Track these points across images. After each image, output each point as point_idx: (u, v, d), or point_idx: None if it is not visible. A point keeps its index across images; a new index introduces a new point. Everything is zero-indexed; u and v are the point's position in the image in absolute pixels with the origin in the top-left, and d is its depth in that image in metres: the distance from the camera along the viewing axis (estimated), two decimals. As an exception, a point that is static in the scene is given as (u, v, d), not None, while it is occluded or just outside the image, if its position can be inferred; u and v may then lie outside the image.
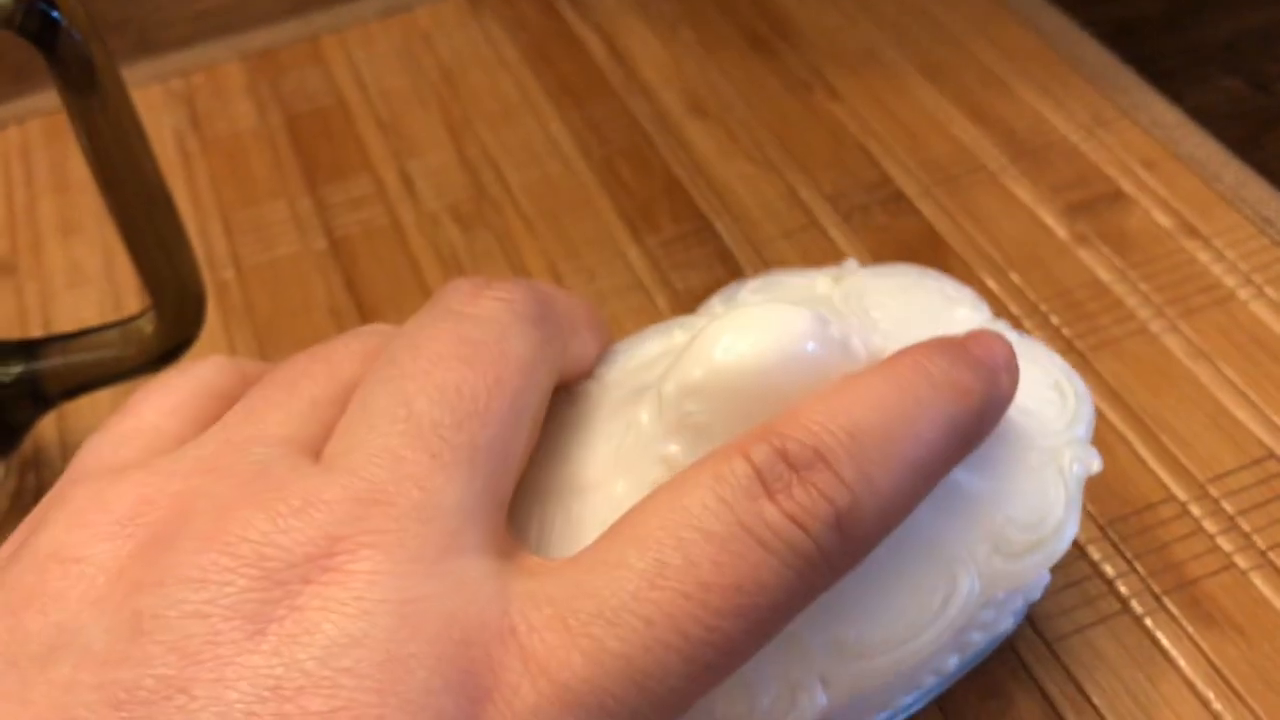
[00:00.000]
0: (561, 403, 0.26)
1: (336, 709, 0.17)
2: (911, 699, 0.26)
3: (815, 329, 0.24)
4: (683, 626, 0.19)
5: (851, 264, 0.29)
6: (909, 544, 0.24)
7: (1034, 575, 0.25)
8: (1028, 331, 0.34)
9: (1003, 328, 0.28)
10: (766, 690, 0.23)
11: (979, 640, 0.26)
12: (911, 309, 0.28)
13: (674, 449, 0.23)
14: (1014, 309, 0.34)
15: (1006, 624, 0.27)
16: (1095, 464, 0.26)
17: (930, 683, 0.26)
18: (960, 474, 0.25)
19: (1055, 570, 0.29)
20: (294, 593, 0.18)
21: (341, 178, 0.41)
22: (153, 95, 0.45)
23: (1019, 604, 0.26)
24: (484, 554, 0.20)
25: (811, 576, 0.20)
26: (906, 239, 0.37)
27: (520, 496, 0.24)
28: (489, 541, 0.20)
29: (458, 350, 0.22)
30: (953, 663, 0.26)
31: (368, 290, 0.37)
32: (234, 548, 0.19)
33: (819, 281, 0.29)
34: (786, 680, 0.23)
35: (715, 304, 0.29)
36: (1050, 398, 0.26)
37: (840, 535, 0.20)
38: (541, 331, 0.23)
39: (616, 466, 0.24)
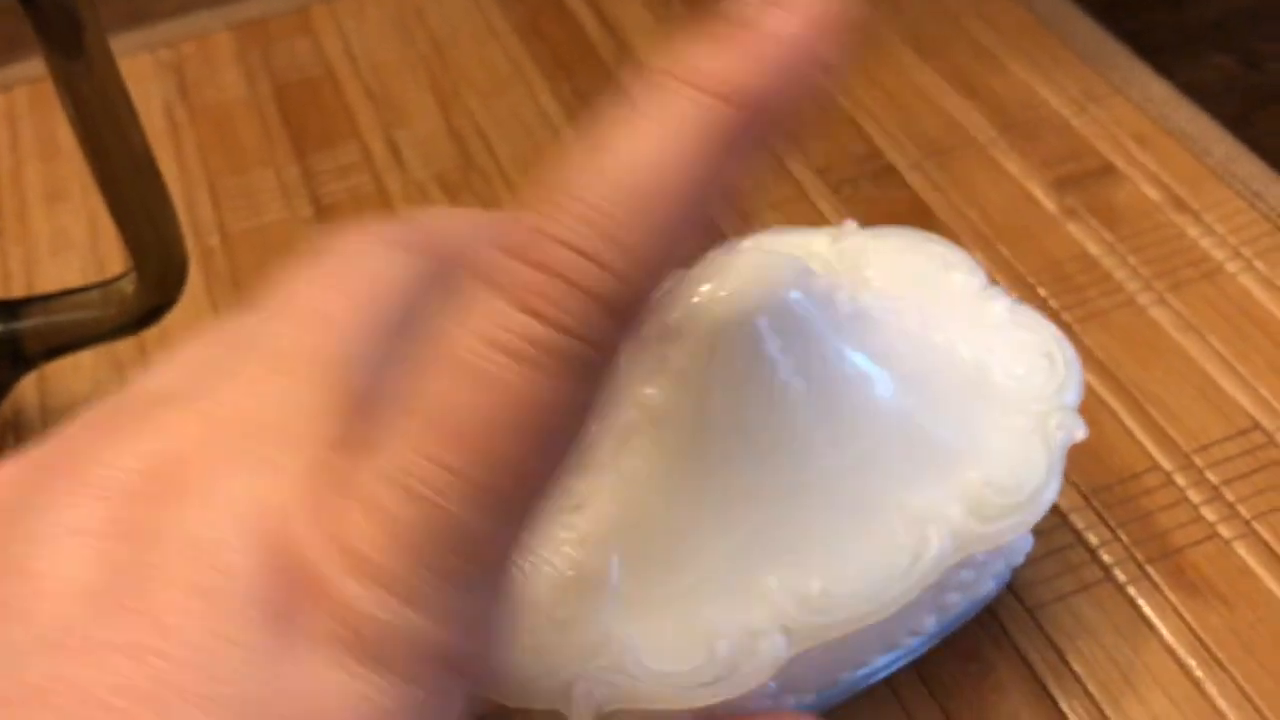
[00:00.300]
0: None
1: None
2: (889, 658, 0.26)
3: (798, 279, 0.24)
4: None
5: (850, 225, 0.29)
6: (880, 501, 0.24)
7: (1009, 538, 0.24)
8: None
9: (998, 294, 0.27)
10: (726, 635, 0.22)
11: (958, 601, 0.26)
12: (906, 271, 0.28)
13: (650, 391, 0.23)
14: (1002, 281, 0.34)
15: (987, 587, 0.26)
16: (1080, 432, 0.25)
17: (908, 642, 0.26)
18: (941, 433, 0.25)
19: (1038, 538, 0.29)
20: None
21: (329, 146, 0.40)
22: (142, 64, 0.44)
23: (1000, 566, 0.26)
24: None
25: (591, 372, 0.16)
26: (895, 211, 0.37)
27: None
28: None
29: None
30: (930, 623, 0.26)
31: (353, 257, 0.37)
32: None
33: (816, 240, 0.29)
34: (747, 628, 0.23)
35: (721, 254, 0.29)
36: (1040, 364, 0.26)
37: (608, 319, 0.16)
38: (410, 254, 0.20)
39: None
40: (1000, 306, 0.27)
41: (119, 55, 0.45)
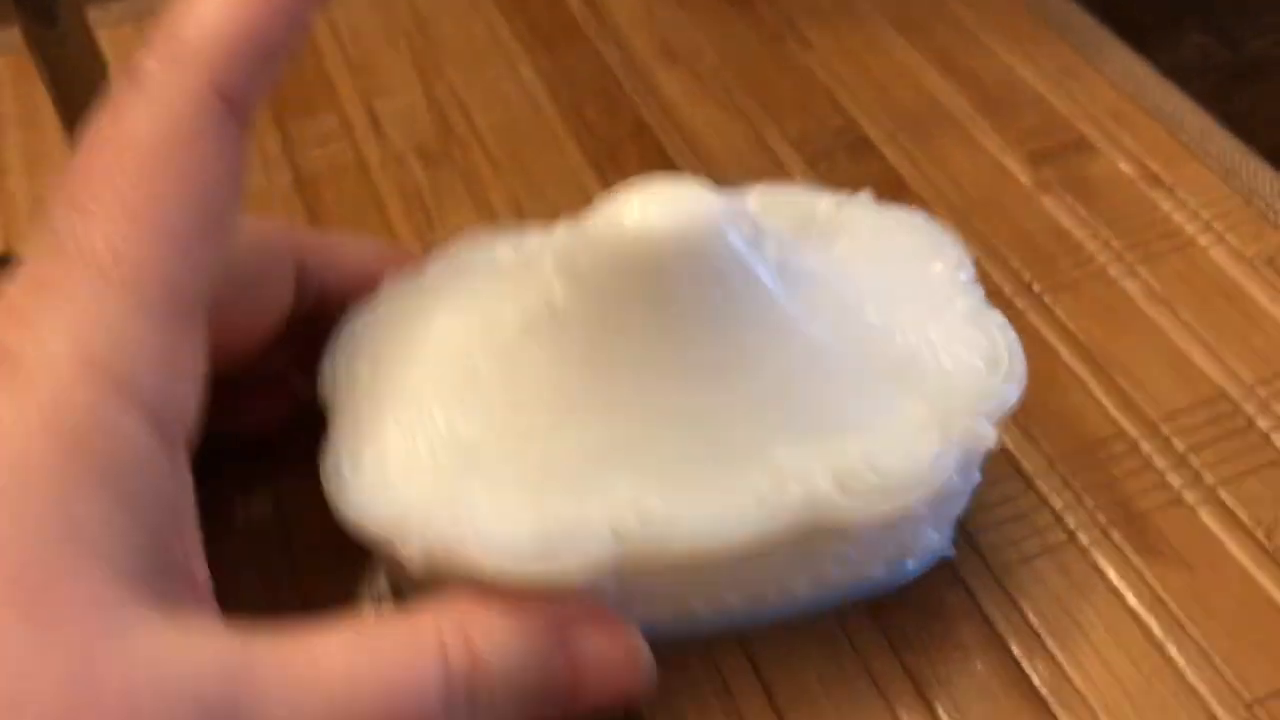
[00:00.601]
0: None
1: None
2: (758, 610, 0.26)
3: (719, 220, 0.24)
4: None
5: (863, 196, 0.30)
6: (752, 445, 0.24)
7: (867, 517, 0.24)
8: (1008, 292, 0.34)
9: (972, 292, 0.27)
10: (560, 523, 0.23)
11: (838, 575, 0.26)
12: (887, 249, 0.28)
13: (557, 291, 0.24)
14: (975, 251, 0.34)
15: (876, 571, 0.27)
16: (987, 441, 0.25)
17: (780, 602, 0.26)
18: (834, 401, 0.25)
19: (1003, 502, 0.29)
20: None
21: (309, 115, 0.40)
22: (125, 35, 0.44)
23: (890, 550, 0.26)
24: None
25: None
26: (870, 183, 0.36)
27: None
28: None
29: None
30: (803, 586, 0.26)
31: (330, 224, 0.37)
32: None
33: (822, 201, 0.29)
34: (582, 522, 0.23)
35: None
36: (976, 366, 0.26)
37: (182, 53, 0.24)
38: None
39: (511, 292, 0.26)
40: (965, 304, 0.27)
41: (103, 26, 0.46)
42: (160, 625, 0.21)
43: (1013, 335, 0.27)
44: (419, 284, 0.28)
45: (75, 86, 0.33)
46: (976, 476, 0.27)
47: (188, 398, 0.23)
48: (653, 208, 0.24)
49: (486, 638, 0.23)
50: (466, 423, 0.25)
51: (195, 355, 0.23)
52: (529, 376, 0.25)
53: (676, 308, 0.24)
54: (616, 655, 0.24)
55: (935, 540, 0.27)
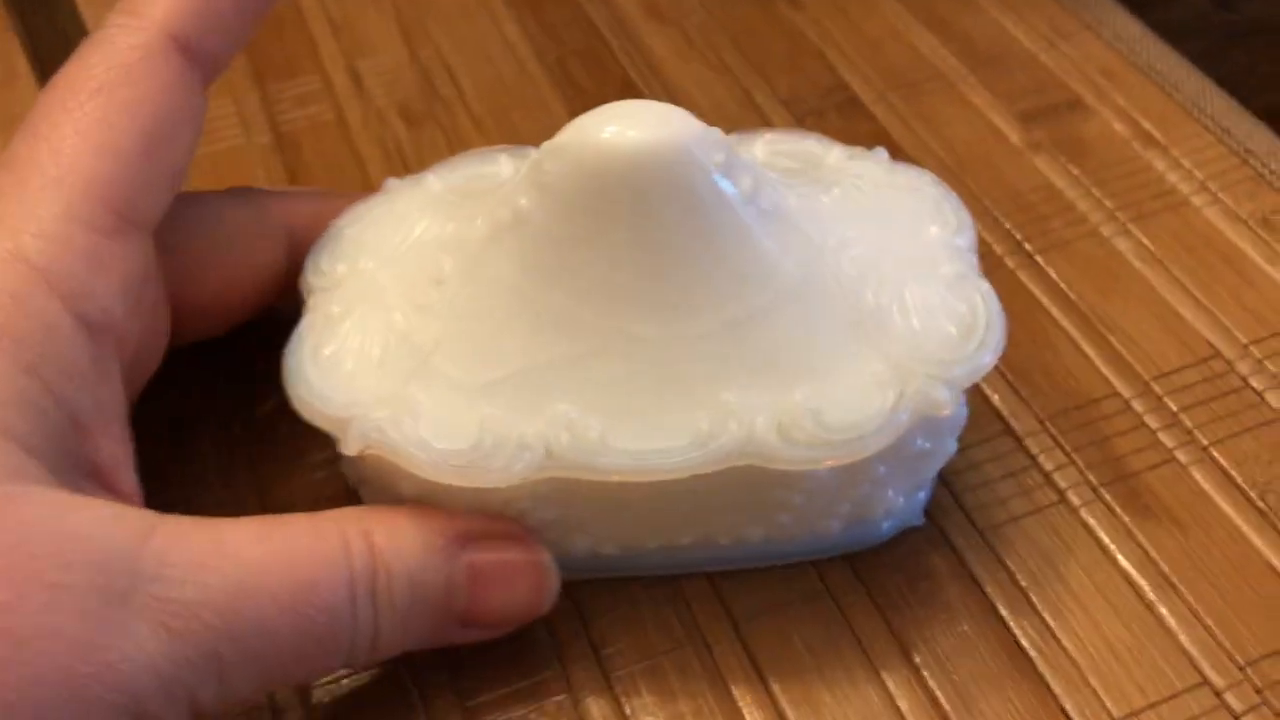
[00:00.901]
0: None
1: None
2: (707, 554, 0.26)
3: (689, 139, 0.23)
4: None
5: (880, 152, 0.29)
6: (698, 380, 0.24)
7: (805, 467, 0.24)
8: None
9: (964, 259, 0.26)
10: (495, 434, 0.24)
11: (787, 524, 0.26)
12: (882, 205, 0.28)
13: (523, 201, 0.24)
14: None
15: (830, 527, 0.26)
16: (946, 408, 0.24)
17: (731, 548, 0.26)
18: (788, 346, 0.24)
19: (992, 460, 0.28)
20: None
21: (291, 75, 0.40)
22: (104, -5, 0.44)
23: (845, 509, 0.26)
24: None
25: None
26: (859, 142, 0.35)
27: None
28: None
29: None
30: (756, 535, 0.26)
31: (310, 183, 0.36)
32: None
33: (834, 152, 0.29)
34: (518, 436, 0.24)
35: (730, 140, 0.28)
36: (948, 332, 0.25)
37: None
38: None
39: (478, 205, 0.26)
40: (952, 270, 0.26)
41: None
42: (64, 498, 0.21)
43: (996, 306, 0.25)
44: (414, 191, 0.28)
45: (53, 46, 0.32)
46: (951, 446, 0.26)
47: (114, 298, 0.24)
48: (624, 124, 0.23)
49: (389, 539, 0.23)
50: (423, 326, 0.25)
51: (128, 261, 0.24)
52: (489, 285, 0.25)
53: (637, 229, 0.24)
54: (520, 569, 0.25)
55: (899, 504, 0.26)
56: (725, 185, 0.24)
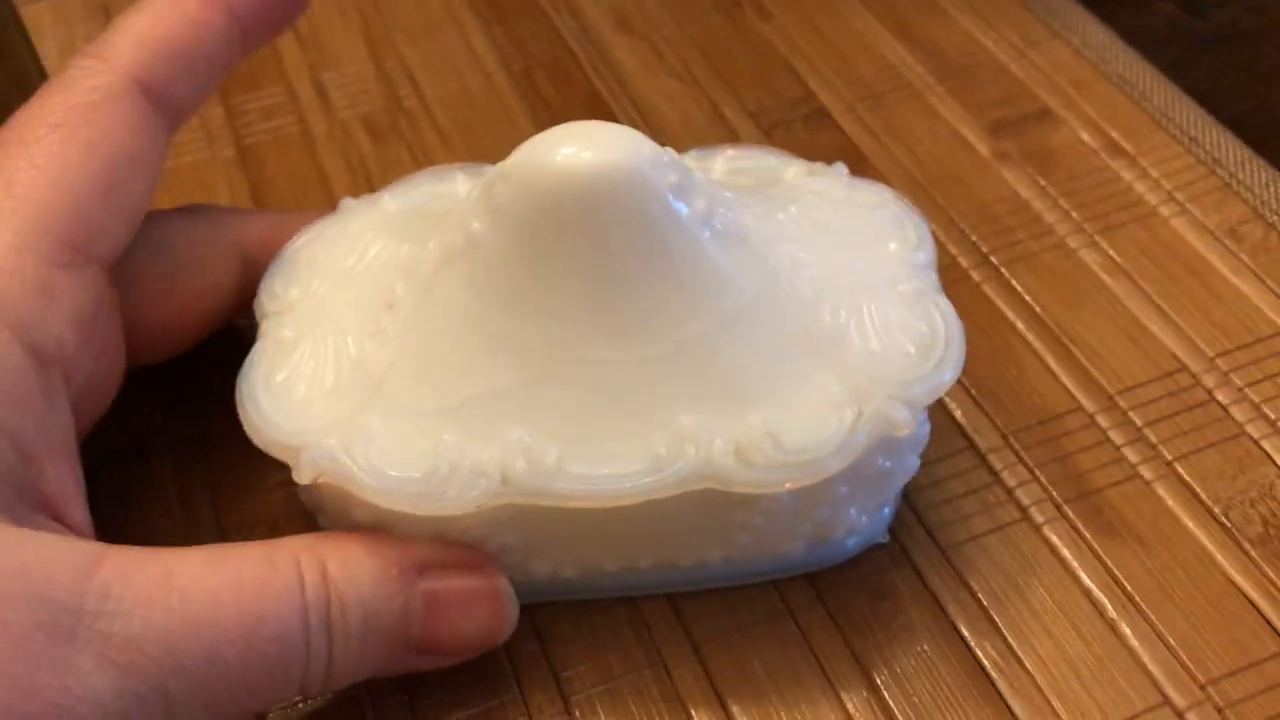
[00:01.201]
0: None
1: None
2: (670, 576, 0.26)
3: (641, 161, 0.23)
4: None
5: (840, 168, 0.29)
6: (654, 405, 0.24)
7: (763, 490, 0.24)
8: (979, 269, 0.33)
9: (924, 278, 0.26)
10: (450, 462, 0.23)
11: (747, 545, 0.25)
12: (841, 222, 0.27)
13: (476, 225, 0.24)
14: (932, 224, 0.33)
15: (794, 548, 0.26)
16: (904, 428, 0.24)
17: (694, 570, 0.26)
18: (744, 369, 0.24)
19: (954, 476, 0.28)
20: None
21: (255, 87, 0.39)
22: (70, 6, 0.43)
23: (807, 529, 0.26)
24: None
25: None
26: (827, 155, 0.35)
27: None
28: None
29: None
30: (716, 558, 0.26)
31: (273, 197, 0.36)
32: None
33: (792, 168, 0.29)
34: (474, 464, 0.23)
35: (690, 157, 0.29)
36: (907, 351, 0.25)
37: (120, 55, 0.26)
38: None
39: (432, 227, 0.26)
40: (911, 287, 0.26)
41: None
42: (8, 532, 0.21)
43: (956, 323, 0.25)
44: (369, 212, 0.28)
45: (9, 94, 0.32)
46: (914, 464, 0.26)
47: (65, 328, 0.24)
48: (577, 146, 0.23)
49: (342, 569, 0.23)
50: (376, 351, 0.25)
51: (80, 293, 0.24)
52: (441, 309, 0.24)
53: (590, 252, 0.23)
54: (477, 596, 0.25)
55: (862, 522, 0.26)
56: (679, 207, 0.24)
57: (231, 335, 0.32)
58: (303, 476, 0.24)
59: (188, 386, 0.31)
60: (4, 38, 0.32)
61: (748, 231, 0.25)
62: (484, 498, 0.23)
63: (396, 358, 0.24)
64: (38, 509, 0.23)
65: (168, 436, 0.30)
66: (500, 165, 0.24)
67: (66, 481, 0.23)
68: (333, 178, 0.36)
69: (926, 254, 0.27)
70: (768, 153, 0.29)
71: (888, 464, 0.25)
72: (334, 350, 0.25)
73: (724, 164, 0.28)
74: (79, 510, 0.24)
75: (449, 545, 0.25)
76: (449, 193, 0.28)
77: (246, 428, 0.24)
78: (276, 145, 0.38)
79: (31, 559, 0.21)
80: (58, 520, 0.23)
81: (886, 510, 0.27)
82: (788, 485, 0.23)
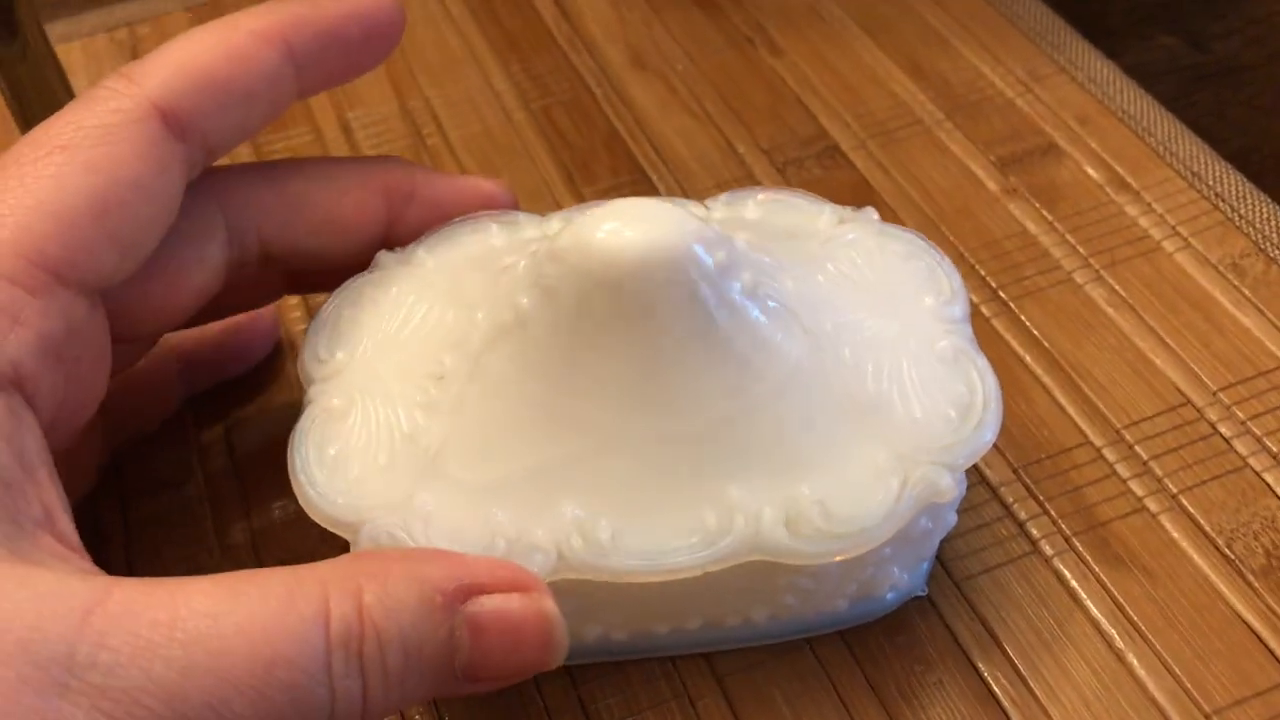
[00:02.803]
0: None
1: None
2: (717, 634, 0.27)
3: (691, 244, 0.24)
4: None
5: (870, 212, 0.29)
6: (703, 477, 0.24)
7: (814, 561, 0.24)
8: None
9: (960, 331, 0.27)
10: (507, 538, 0.24)
11: (793, 605, 0.26)
12: (877, 277, 0.28)
13: (524, 301, 0.25)
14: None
15: (838, 606, 0.27)
16: (948, 494, 0.25)
17: (739, 629, 0.27)
18: (792, 440, 0.25)
19: (967, 511, 0.29)
20: None
21: (281, 127, 0.41)
22: (99, 45, 0.45)
23: (851, 588, 0.26)
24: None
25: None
26: (839, 191, 0.37)
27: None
28: None
29: None
30: (762, 617, 0.26)
31: (302, 238, 0.37)
32: None
33: (824, 216, 0.29)
34: (529, 539, 0.24)
35: (720, 201, 0.29)
36: (948, 415, 0.25)
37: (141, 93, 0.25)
38: None
39: (484, 297, 0.26)
40: (949, 345, 0.26)
41: (76, 36, 0.46)
42: (2, 574, 0.20)
43: (993, 382, 0.26)
44: (407, 268, 0.28)
45: (35, 99, 0.33)
46: (952, 519, 0.27)
47: (25, 352, 0.23)
48: (624, 226, 0.24)
49: (379, 596, 0.22)
50: (427, 426, 0.25)
51: (49, 320, 0.23)
52: (493, 385, 0.25)
53: (641, 331, 0.24)
54: (525, 621, 0.23)
55: (904, 579, 0.27)
56: (727, 285, 0.24)
57: (267, 364, 0.33)
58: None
59: (223, 416, 0.32)
60: (41, 75, 0.33)
61: (790, 299, 0.26)
62: (541, 575, 0.24)
63: (449, 433, 0.25)
64: (34, 531, 0.22)
65: (205, 466, 0.31)
66: (548, 244, 0.25)
67: (51, 502, 0.23)
68: (360, 217, 0.37)
69: (961, 307, 0.28)
70: (798, 196, 0.30)
71: (929, 524, 0.26)
72: (385, 422, 0.26)
73: (756, 209, 0.29)
74: (66, 526, 0.23)
75: (495, 562, 0.23)
76: (484, 244, 0.29)
77: (303, 503, 0.25)
78: (304, 185, 0.39)
79: (24, 605, 0.20)
80: (43, 536, 0.22)
81: (925, 565, 0.28)
82: (837, 557, 0.24)
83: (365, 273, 0.29)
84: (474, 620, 0.22)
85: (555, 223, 0.29)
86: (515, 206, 0.30)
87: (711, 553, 0.24)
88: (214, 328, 0.32)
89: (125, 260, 0.25)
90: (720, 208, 0.29)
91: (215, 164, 0.28)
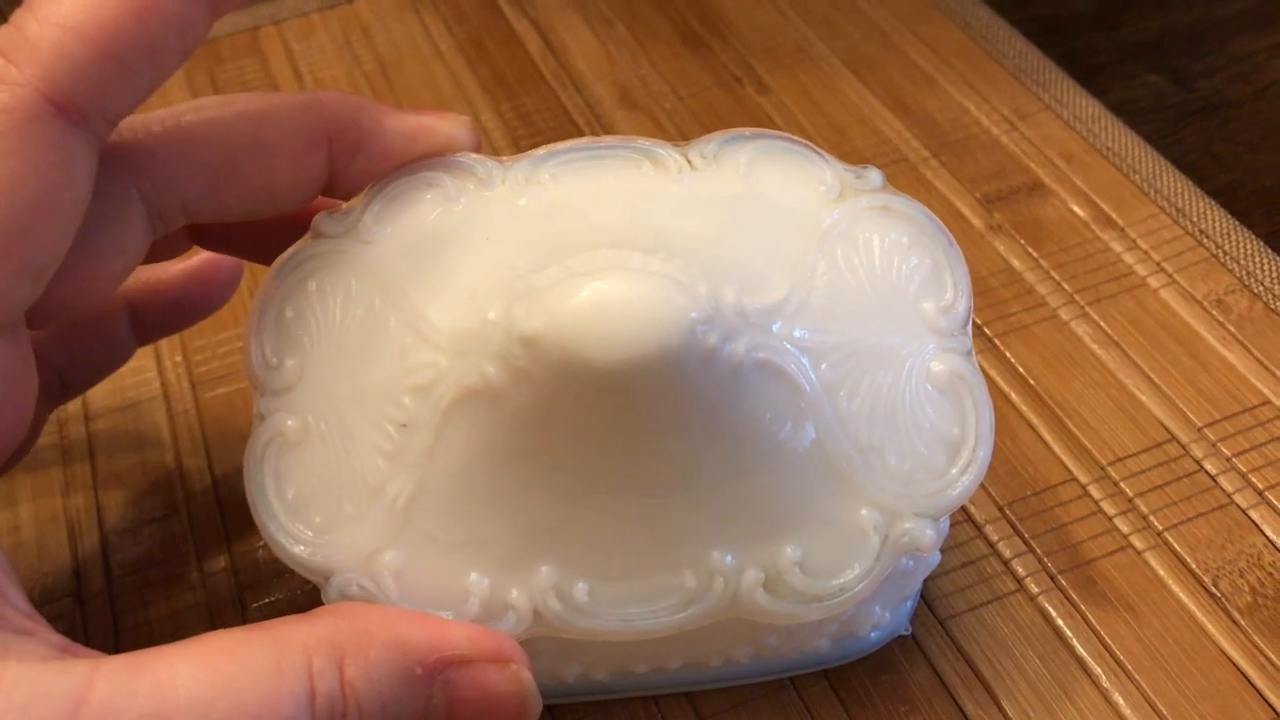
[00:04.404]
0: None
1: None
2: (700, 674, 0.27)
3: (685, 342, 0.22)
4: None
5: (873, 176, 0.27)
6: (682, 538, 0.24)
7: (792, 622, 0.24)
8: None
9: (958, 345, 0.25)
10: (480, 598, 0.23)
11: (776, 645, 0.26)
12: (876, 282, 0.25)
13: (491, 370, 0.23)
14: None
15: (819, 645, 0.26)
16: (927, 551, 0.24)
17: (721, 668, 0.26)
18: (775, 502, 0.24)
19: (951, 549, 0.29)
20: None
21: (271, 166, 0.41)
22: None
23: (832, 630, 0.26)
24: None
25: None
26: None
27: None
28: None
29: None
30: (745, 654, 0.26)
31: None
32: None
33: (825, 180, 0.26)
34: (502, 599, 0.23)
35: (711, 148, 0.26)
36: (936, 463, 0.24)
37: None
38: None
39: (451, 352, 0.24)
40: (944, 369, 0.25)
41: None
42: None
43: (987, 414, 0.25)
44: (352, 246, 0.25)
45: None
46: (935, 559, 0.27)
47: None
48: (604, 314, 0.22)
49: (361, 670, 0.21)
50: (392, 475, 0.24)
51: None
52: (461, 446, 0.24)
53: (624, 420, 0.23)
54: (501, 693, 0.23)
55: (886, 618, 0.27)
56: (715, 369, 0.23)
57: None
58: (331, 601, 0.24)
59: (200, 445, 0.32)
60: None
61: (779, 352, 0.24)
62: (515, 635, 0.23)
63: (418, 487, 0.24)
64: None
65: (188, 498, 0.31)
66: (519, 330, 0.22)
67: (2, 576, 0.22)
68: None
69: (964, 302, 0.25)
70: (796, 146, 0.26)
71: (911, 564, 0.26)
72: (346, 465, 0.24)
73: (745, 169, 0.26)
74: (14, 593, 0.22)
75: (475, 631, 0.23)
76: (440, 211, 0.25)
77: (271, 546, 0.24)
78: (292, 223, 0.39)
79: (24, 699, 0.19)
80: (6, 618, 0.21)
81: (908, 604, 0.28)
82: (815, 617, 0.24)
83: (305, 247, 0.25)
84: (451, 690, 0.22)
85: (519, 170, 0.26)
86: (478, 147, 0.27)
87: (688, 615, 0.24)
88: (168, 275, 0.29)
89: (38, 285, 0.22)
90: (711, 147, 0.26)
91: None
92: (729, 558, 0.24)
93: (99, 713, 0.19)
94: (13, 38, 0.21)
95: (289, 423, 0.25)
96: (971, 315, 0.26)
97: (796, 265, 0.25)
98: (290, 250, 0.25)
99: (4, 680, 0.19)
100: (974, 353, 0.26)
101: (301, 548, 0.24)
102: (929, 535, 0.24)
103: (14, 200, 0.21)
